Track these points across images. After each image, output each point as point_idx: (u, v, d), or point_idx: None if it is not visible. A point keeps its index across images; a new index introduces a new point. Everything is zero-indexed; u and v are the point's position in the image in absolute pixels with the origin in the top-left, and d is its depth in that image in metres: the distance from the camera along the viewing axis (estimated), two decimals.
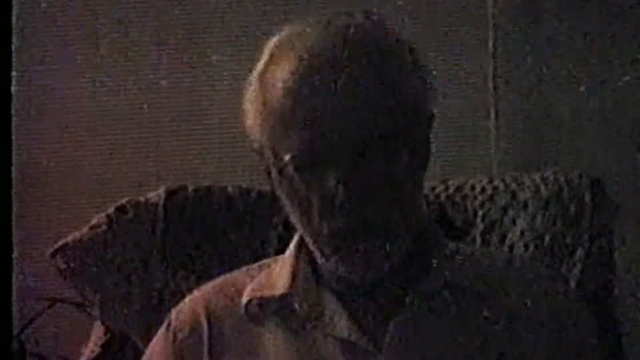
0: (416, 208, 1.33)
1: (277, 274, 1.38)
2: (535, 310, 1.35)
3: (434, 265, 1.34)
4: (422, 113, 1.30)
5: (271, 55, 1.30)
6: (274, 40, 1.31)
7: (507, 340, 1.32)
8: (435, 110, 1.33)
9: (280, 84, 1.26)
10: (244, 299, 1.36)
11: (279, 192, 1.32)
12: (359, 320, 1.32)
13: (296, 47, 1.27)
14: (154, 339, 1.42)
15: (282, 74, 1.27)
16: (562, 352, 1.34)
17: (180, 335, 1.39)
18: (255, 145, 1.32)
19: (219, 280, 1.43)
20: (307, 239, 1.32)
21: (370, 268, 1.28)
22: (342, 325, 1.31)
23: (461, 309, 1.33)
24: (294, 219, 1.31)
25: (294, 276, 1.35)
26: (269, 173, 1.32)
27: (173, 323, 1.40)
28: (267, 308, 1.35)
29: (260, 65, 1.30)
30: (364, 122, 1.24)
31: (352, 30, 1.28)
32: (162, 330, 1.41)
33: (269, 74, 1.29)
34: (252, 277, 1.40)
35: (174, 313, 1.41)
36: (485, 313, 1.33)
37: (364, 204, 1.25)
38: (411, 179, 1.29)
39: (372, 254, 1.27)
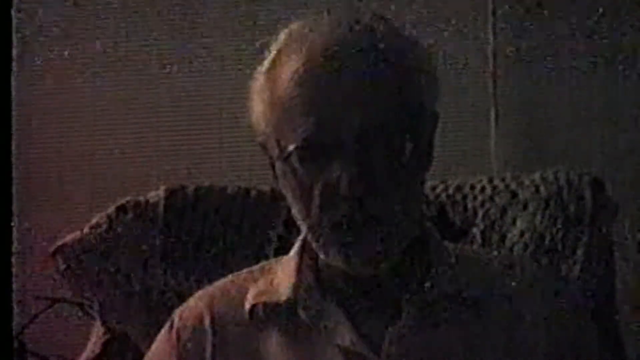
0: (417, 205, 1.33)
1: (280, 278, 1.38)
2: (535, 316, 1.34)
3: (432, 273, 1.34)
4: (426, 111, 1.30)
5: (279, 50, 1.30)
6: (280, 37, 1.32)
7: (505, 348, 1.32)
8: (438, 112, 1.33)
9: (287, 76, 1.27)
10: (248, 304, 1.36)
11: (282, 185, 1.31)
12: (360, 327, 1.32)
13: (304, 41, 1.28)
14: (156, 340, 1.42)
15: (289, 66, 1.27)
16: (562, 355, 1.34)
17: (183, 337, 1.38)
18: (260, 138, 1.32)
19: (221, 282, 1.43)
20: (309, 234, 1.31)
21: (369, 260, 1.27)
22: (345, 334, 1.31)
23: (458, 318, 1.32)
24: (296, 212, 1.30)
25: (297, 282, 1.35)
26: (273, 166, 1.32)
27: (176, 324, 1.40)
28: (270, 314, 1.35)
29: (267, 60, 1.31)
30: (368, 114, 1.24)
31: (360, 25, 1.29)
32: (164, 331, 1.41)
33: (276, 67, 1.29)
34: (255, 280, 1.40)
35: (177, 314, 1.41)
36: (483, 322, 1.32)
37: (366, 195, 1.24)
38: (413, 174, 1.29)
39: (372, 245, 1.26)
